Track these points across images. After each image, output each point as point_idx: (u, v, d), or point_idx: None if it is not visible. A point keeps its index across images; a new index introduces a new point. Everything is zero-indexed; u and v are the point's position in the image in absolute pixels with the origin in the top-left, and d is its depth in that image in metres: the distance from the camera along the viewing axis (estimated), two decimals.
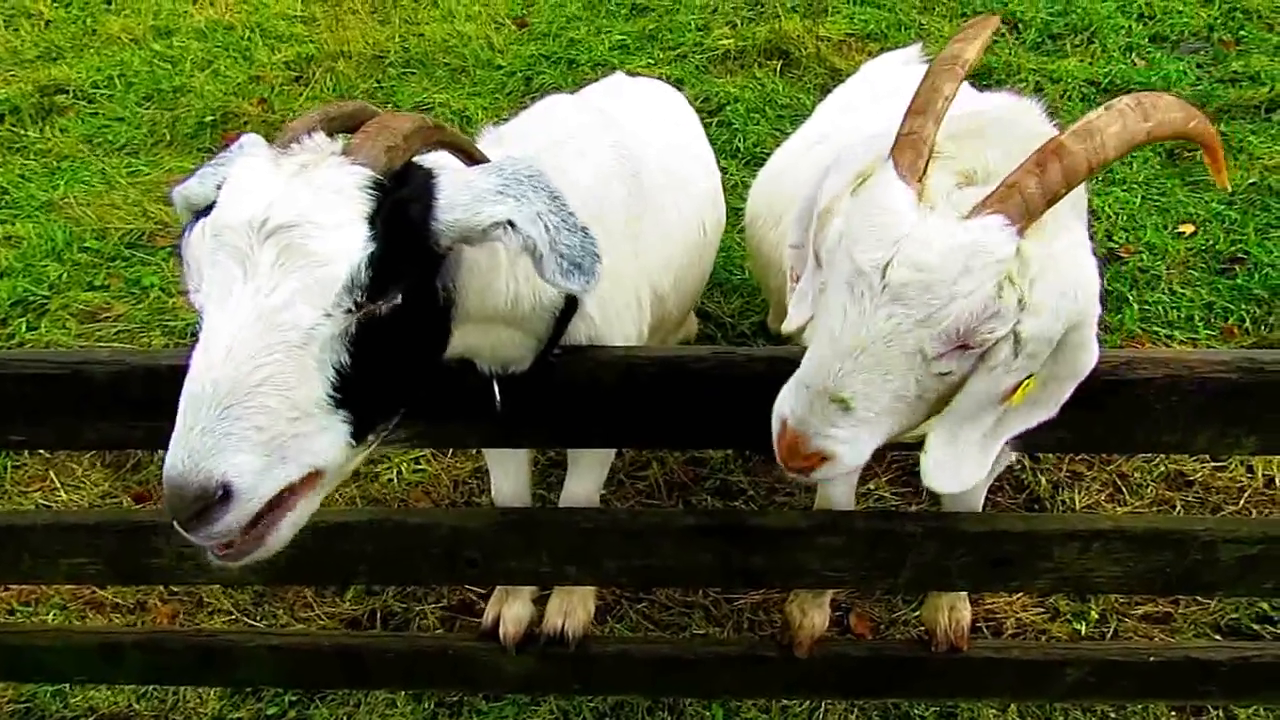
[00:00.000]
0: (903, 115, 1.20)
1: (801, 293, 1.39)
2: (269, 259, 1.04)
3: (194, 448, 1.01)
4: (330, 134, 1.18)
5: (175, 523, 1.04)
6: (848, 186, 1.28)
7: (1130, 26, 4.32)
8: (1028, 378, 1.19)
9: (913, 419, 1.21)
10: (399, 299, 1.11)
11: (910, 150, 1.16)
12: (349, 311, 1.07)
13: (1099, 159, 1.10)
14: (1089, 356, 1.22)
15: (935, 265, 1.10)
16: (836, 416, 1.17)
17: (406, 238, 1.11)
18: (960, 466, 1.24)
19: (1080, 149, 1.10)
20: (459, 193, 1.15)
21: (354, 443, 1.13)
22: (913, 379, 1.16)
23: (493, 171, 1.18)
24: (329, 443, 1.10)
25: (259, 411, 1.03)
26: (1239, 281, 3.11)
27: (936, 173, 1.16)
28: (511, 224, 1.14)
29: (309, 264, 1.04)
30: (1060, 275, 1.13)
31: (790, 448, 1.20)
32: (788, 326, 1.40)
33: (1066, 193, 1.11)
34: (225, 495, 1.02)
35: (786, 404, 1.21)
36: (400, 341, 1.15)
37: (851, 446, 1.19)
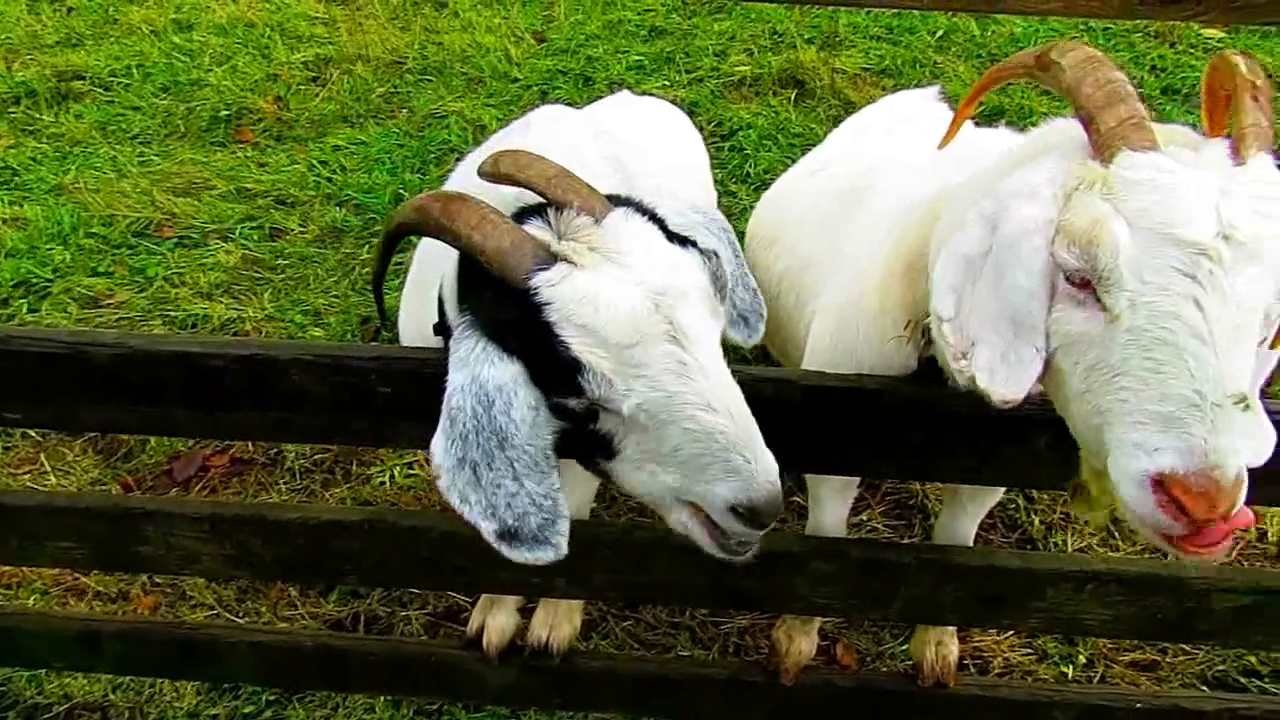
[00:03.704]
0: (1095, 112, 1.14)
1: (1002, 360, 1.15)
2: (686, 321, 1.16)
3: (768, 479, 1.15)
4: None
5: (752, 528, 1.17)
6: (1082, 200, 1.12)
7: (1143, 78, 4.36)
8: None
9: None
10: None
11: (1145, 131, 1.12)
12: (721, 304, 1.24)
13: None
14: None
15: (1273, 205, 1.05)
16: (1243, 423, 1.00)
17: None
18: (1261, 432, 1.13)
19: (1263, 82, 1.14)
20: (676, 217, 1.28)
21: None
22: (1253, 353, 1.05)
23: (695, 209, 1.32)
24: None
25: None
26: None
27: (1168, 148, 1.12)
28: (716, 254, 1.24)
29: (700, 297, 1.20)
30: None
31: (1209, 497, 0.98)
32: (1014, 395, 1.16)
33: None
34: None
35: (1164, 454, 1.00)
36: None
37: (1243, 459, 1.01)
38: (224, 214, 3.66)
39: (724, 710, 2.00)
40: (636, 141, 2.12)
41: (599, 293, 1.11)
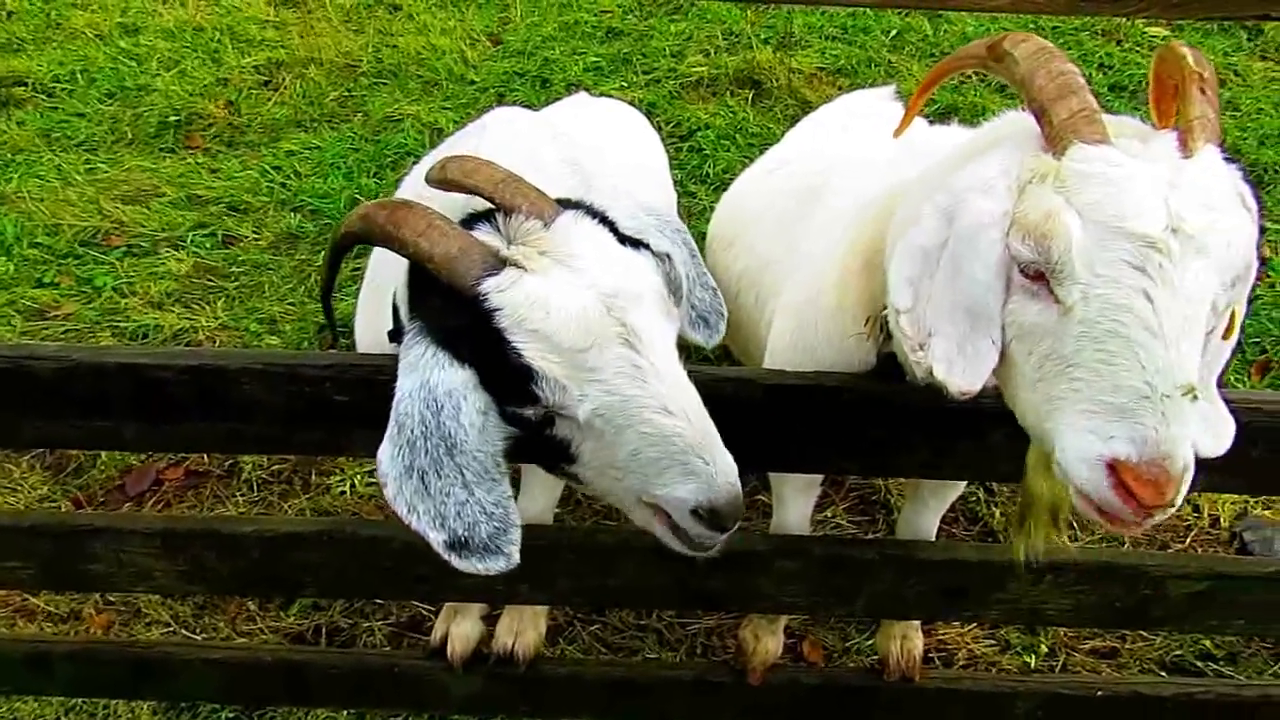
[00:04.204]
0: (1047, 105, 1.14)
1: (957, 352, 1.16)
2: (637, 322, 1.15)
3: (727, 477, 1.15)
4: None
5: (718, 531, 1.17)
6: (1039, 192, 1.12)
7: (1091, 75, 4.44)
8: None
9: None
10: None
11: (1096, 124, 1.12)
12: (676, 304, 1.25)
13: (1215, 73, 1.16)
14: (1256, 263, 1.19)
15: (1219, 198, 1.06)
16: (1190, 414, 1.02)
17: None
18: (1216, 423, 1.17)
19: (1207, 69, 1.14)
20: (628, 220, 1.26)
21: None
22: (1203, 343, 1.08)
23: (648, 211, 1.29)
24: None
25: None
26: None
27: (1117, 139, 1.12)
28: (669, 257, 1.23)
29: (654, 300, 1.18)
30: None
31: (1157, 483, 1.01)
32: (970, 387, 1.16)
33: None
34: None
35: (1118, 441, 1.02)
36: None
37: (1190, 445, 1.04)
38: (175, 222, 3.58)
39: (692, 712, 2.00)
40: (594, 143, 2.11)
41: (549, 297, 1.10)
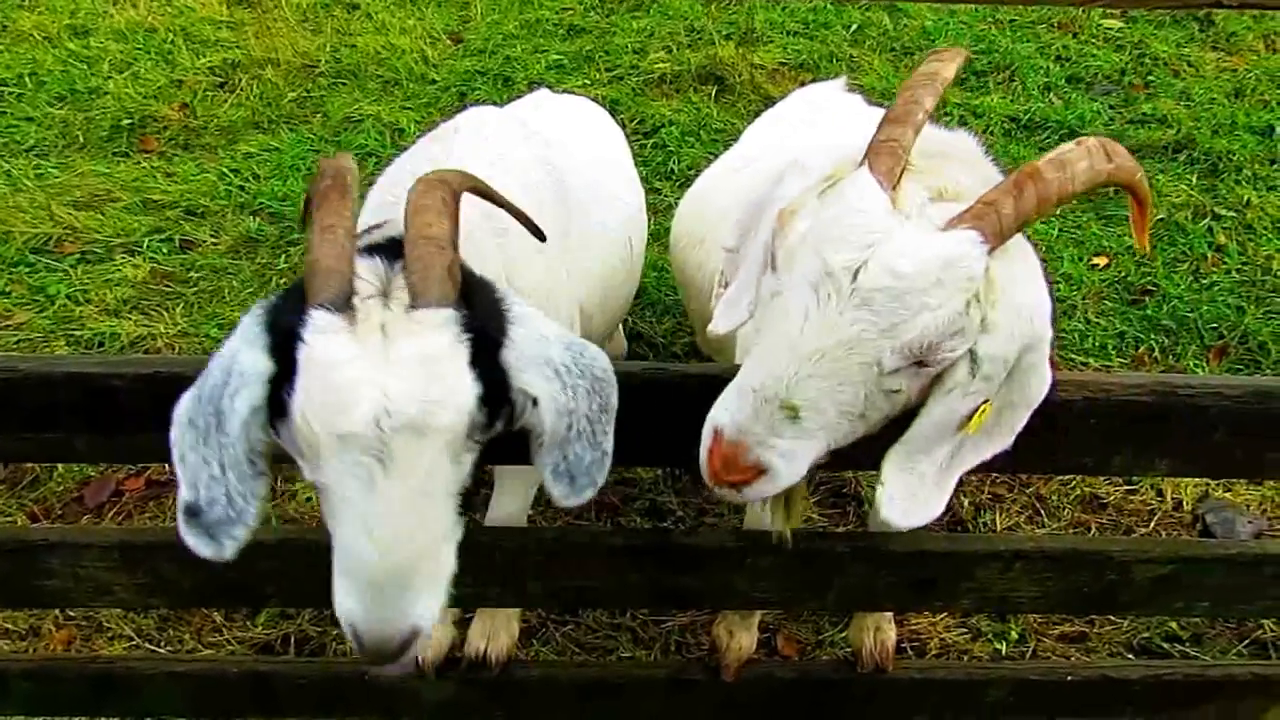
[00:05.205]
0: (879, 124, 1.18)
1: (732, 299, 1.31)
2: (402, 449, 1.05)
3: (387, 618, 1.10)
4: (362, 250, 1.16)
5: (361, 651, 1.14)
6: (813, 188, 1.22)
7: (1049, 67, 4.50)
8: (983, 404, 1.18)
9: (848, 438, 1.18)
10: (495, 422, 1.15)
11: (888, 157, 1.14)
12: (471, 450, 1.12)
13: (1068, 190, 1.13)
14: (1042, 381, 1.21)
15: (909, 274, 1.07)
16: (782, 426, 1.11)
17: (495, 373, 1.14)
18: (916, 502, 1.21)
19: (1054, 177, 1.12)
20: (528, 344, 1.16)
21: None
22: (863, 393, 1.12)
23: (570, 347, 1.18)
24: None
25: (433, 565, 1.14)
26: (1149, 312, 3.24)
27: (909, 183, 1.14)
28: (535, 401, 1.15)
29: (438, 437, 1.06)
30: (1018, 297, 1.13)
31: (726, 460, 1.13)
32: (715, 329, 1.34)
33: (1035, 219, 1.13)
34: (414, 634, 1.13)
35: (725, 413, 1.14)
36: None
37: (789, 461, 1.13)
38: (130, 227, 3.50)
39: (667, 710, 1.99)
40: (559, 138, 2.09)
41: (335, 371, 1.04)
